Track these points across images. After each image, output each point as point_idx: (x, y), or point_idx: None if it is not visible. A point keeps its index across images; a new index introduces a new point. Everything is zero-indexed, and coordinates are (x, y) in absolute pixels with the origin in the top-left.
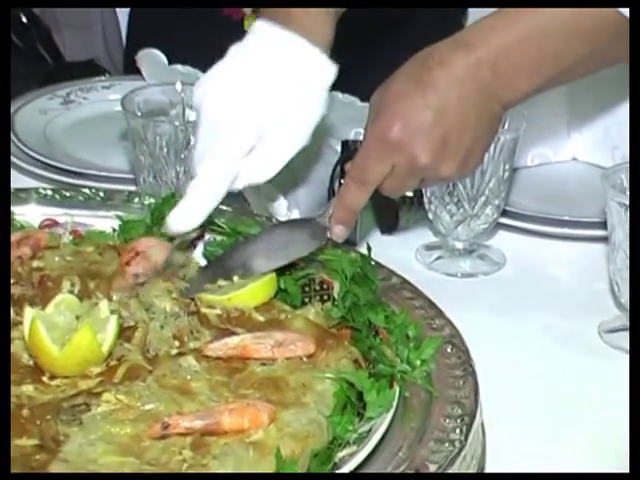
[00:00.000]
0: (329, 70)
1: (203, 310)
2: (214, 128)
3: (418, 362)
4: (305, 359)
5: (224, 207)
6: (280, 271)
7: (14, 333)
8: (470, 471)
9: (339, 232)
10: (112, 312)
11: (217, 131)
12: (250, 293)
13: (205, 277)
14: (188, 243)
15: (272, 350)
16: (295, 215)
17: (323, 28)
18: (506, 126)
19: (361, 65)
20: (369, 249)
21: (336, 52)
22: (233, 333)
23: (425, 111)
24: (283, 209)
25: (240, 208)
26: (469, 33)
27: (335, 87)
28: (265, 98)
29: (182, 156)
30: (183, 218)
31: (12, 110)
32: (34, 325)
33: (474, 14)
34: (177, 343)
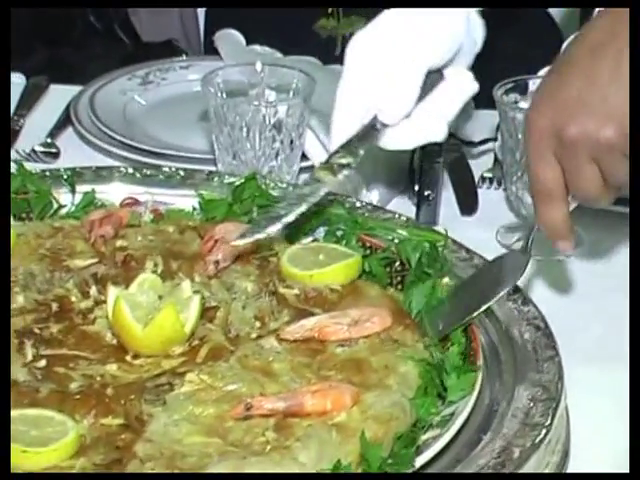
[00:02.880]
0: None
1: (281, 290)
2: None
3: None
4: (383, 335)
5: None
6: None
7: (98, 312)
8: (555, 456)
9: (564, 246)
10: (195, 292)
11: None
12: (333, 272)
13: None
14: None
15: (349, 330)
16: (375, 197)
17: None
18: None
19: None
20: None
21: None
22: (311, 313)
23: (562, 88)
24: (362, 191)
25: None
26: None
27: None
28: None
29: (262, 136)
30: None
31: (91, 91)
32: (118, 304)
33: None
34: (258, 324)
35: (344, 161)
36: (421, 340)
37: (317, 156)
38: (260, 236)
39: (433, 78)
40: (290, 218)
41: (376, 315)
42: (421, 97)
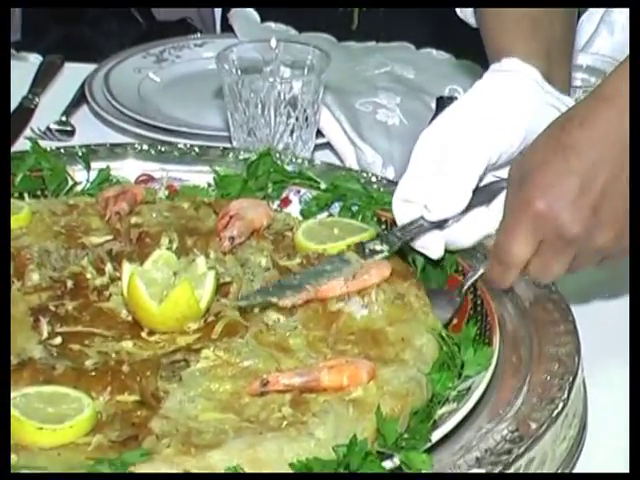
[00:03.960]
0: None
1: (283, 263)
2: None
3: None
4: (385, 287)
5: (318, 162)
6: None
7: (113, 289)
8: (572, 429)
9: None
10: (209, 268)
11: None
12: (347, 245)
13: None
14: None
15: (346, 284)
16: (390, 173)
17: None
18: None
19: (457, 22)
20: None
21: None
22: None
23: (569, 177)
24: (378, 166)
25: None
26: (606, 84)
27: (430, 44)
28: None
29: (277, 113)
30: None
31: (106, 69)
32: (133, 281)
33: None
34: None
35: (378, 248)
36: (426, 303)
37: (332, 132)
38: (261, 301)
39: (499, 185)
40: (302, 291)
41: (374, 268)
42: (481, 202)
